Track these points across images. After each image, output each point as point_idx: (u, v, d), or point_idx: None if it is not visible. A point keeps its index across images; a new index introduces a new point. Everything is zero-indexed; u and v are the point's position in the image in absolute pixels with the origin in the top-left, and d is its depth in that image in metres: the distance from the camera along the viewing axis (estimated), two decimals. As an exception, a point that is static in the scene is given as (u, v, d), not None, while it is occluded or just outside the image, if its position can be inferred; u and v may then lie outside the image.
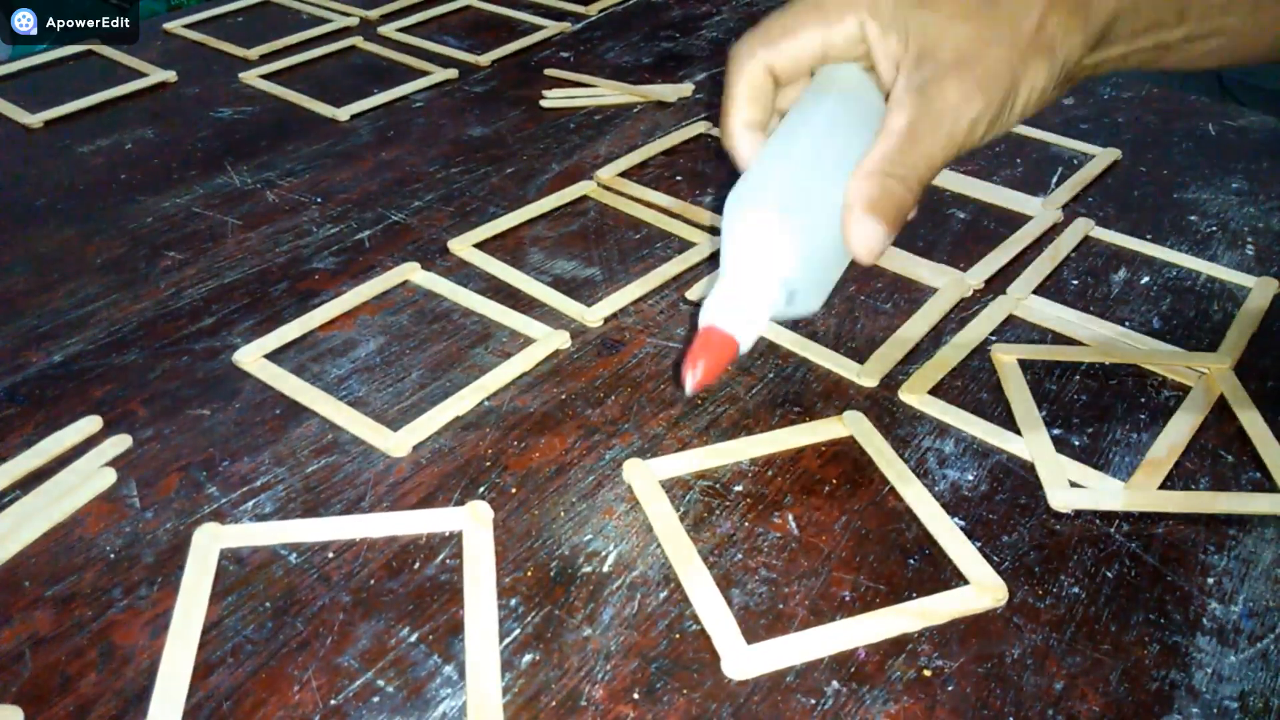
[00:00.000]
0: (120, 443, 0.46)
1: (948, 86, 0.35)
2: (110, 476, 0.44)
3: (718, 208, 0.64)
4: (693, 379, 0.35)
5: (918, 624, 0.38)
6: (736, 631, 0.38)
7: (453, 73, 0.81)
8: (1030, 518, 0.43)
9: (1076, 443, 0.47)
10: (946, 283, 0.57)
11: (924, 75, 0.36)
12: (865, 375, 0.50)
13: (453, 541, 0.42)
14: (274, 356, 0.52)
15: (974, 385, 0.50)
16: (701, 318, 0.36)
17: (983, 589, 0.39)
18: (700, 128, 0.73)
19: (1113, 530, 0.43)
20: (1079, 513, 0.44)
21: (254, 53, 0.84)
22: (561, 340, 0.53)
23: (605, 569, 0.41)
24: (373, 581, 0.40)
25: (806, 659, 0.37)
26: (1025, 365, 0.51)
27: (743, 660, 0.37)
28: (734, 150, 0.40)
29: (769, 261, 0.35)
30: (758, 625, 0.39)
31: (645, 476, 0.45)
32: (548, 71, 0.82)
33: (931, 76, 0.36)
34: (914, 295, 0.57)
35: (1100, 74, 0.40)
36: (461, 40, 0.88)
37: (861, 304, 0.56)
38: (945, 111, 0.36)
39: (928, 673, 0.37)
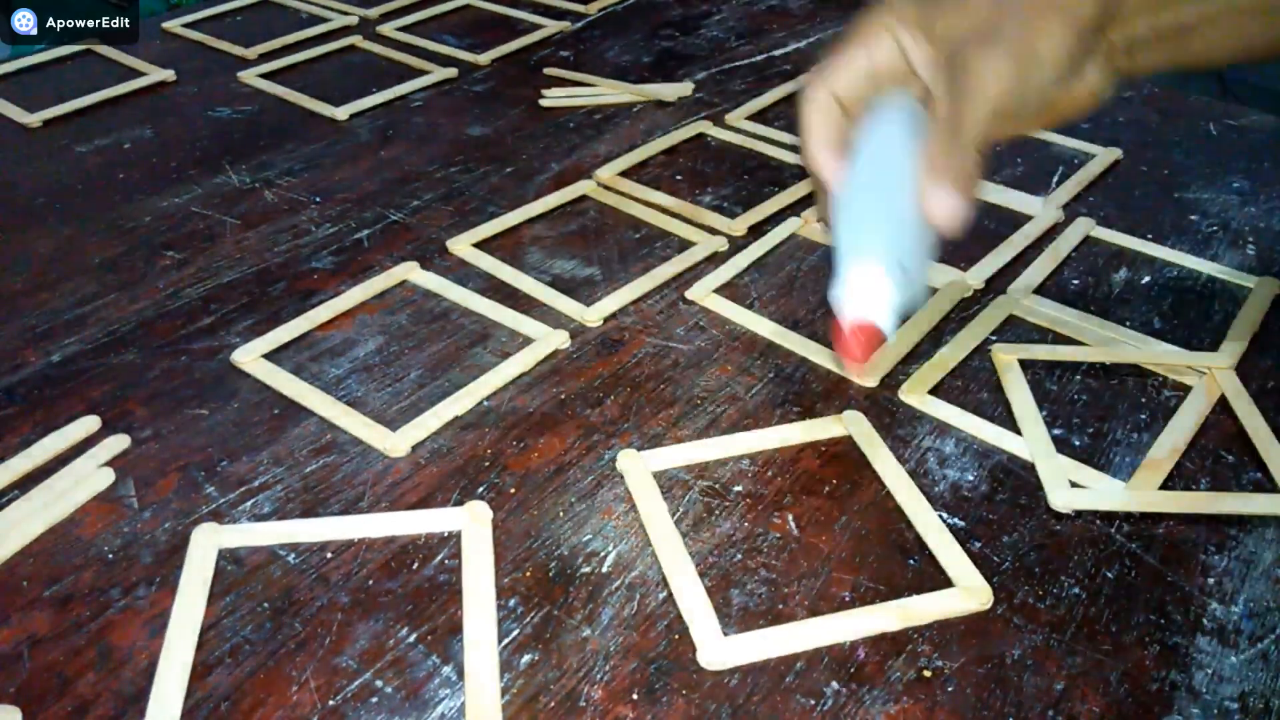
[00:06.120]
0: (118, 443, 0.46)
1: (970, 60, 0.39)
2: (108, 476, 0.44)
3: (717, 207, 0.64)
4: (856, 366, 0.40)
5: (899, 623, 0.38)
6: (714, 621, 0.38)
7: (452, 72, 0.81)
8: (1030, 518, 0.43)
9: (1077, 443, 0.47)
10: (946, 283, 0.57)
11: (951, 52, 0.40)
12: (865, 375, 0.50)
13: (451, 542, 0.42)
14: (272, 356, 0.51)
15: (974, 385, 0.50)
16: (843, 309, 0.41)
17: (969, 592, 0.39)
18: (700, 127, 0.73)
19: (1113, 530, 0.43)
20: (1079, 513, 0.43)
21: (253, 52, 0.84)
22: (561, 340, 0.52)
23: (604, 569, 0.41)
24: (371, 582, 0.40)
25: (785, 652, 0.37)
26: (1025, 365, 0.51)
27: (718, 650, 0.37)
28: (815, 165, 0.44)
29: (885, 252, 0.40)
30: (757, 625, 0.38)
31: (639, 468, 0.45)
32: (547, 71, 0.82)
33: (958, 60, 0.40)
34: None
35: (1140, 70, 0.42)
36: (461, 39, 0.87)
37: (861, 304, 0.56)
38: (972, 80, 0.39)
39: (928, 673, 0.37)
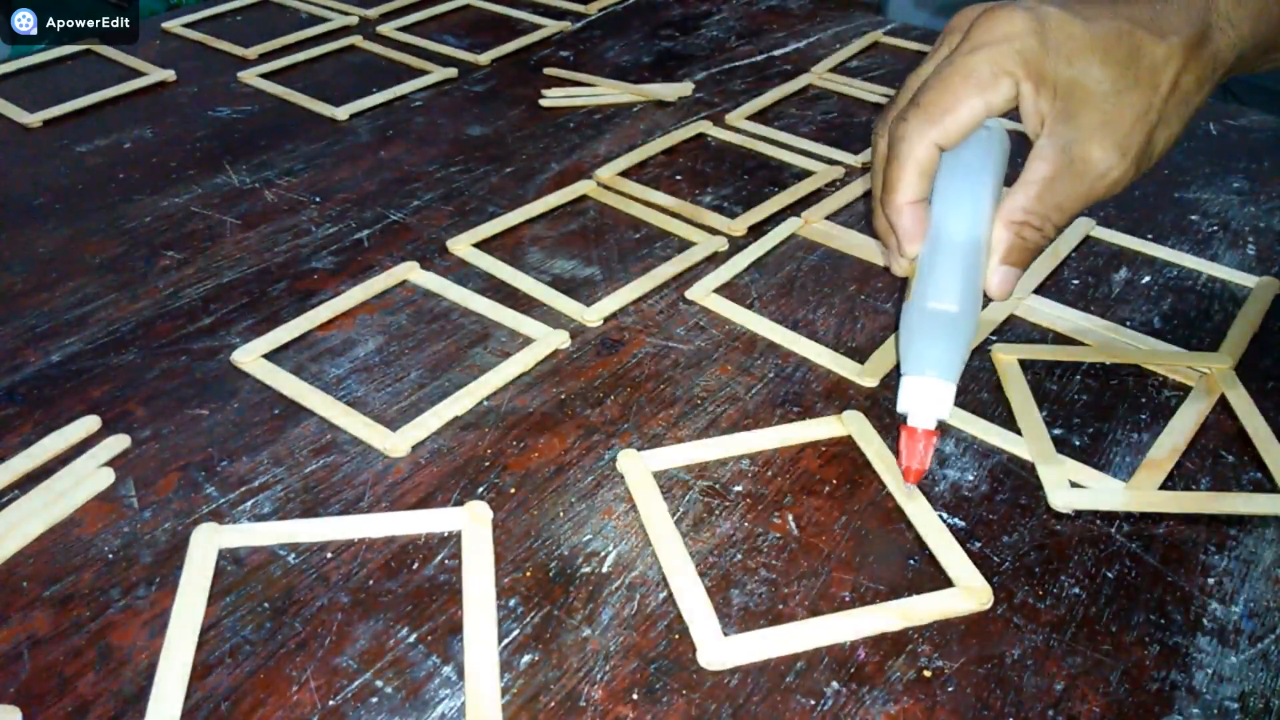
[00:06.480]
0: (118, 443, 0.46)
1: (1090, 148, 0.39)
2: (108, 476, 0.44)
3: (717, 207, 0.64)
4: (913, 478, 0.42)
5: (899, 623, 0.38)
6: (714, 621, 0.38)
7: (452, 72, 0.81)
8: (1031, 518, 0.43)
9: (1077, 443, 0.47)
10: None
11: (1069, 134, 0.39)
12: (865, 375, 0.50)
13: (451, 542, 0.42)
14: (272, 356, 0.51)
15: (974, 385, 0.50)
16: (904, 413, 0.41)
17: (969, 592, 0.39)
18: (700, 127, 0.73)
19: (1113, 530, 0.43)
20: (1079, 513, 0.43)
21: (253, 52, 0.84)
22: (561, 340, 0.52)
23: (604, 569, 0.41)
24: (371, 582, 0.40)
25: (785, 652, 0.38)
26: (1025, 365, 0.51)
27: (718, 650, 0.37)
28: (897, 223, 0.42)
29: (950, 366, 0.41)
30: (757, 625, 0.38)
31: (639, 468, 0.45)
32: (547, 71, 0.82)
33: (1076, 137, 0.39)
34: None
35: None
36: (461, 39, 0.87)
37: (861, 304, 0.56)
38: (1086, 171, 0.39)
39: (928, 673, 0.37)
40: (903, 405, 0.41)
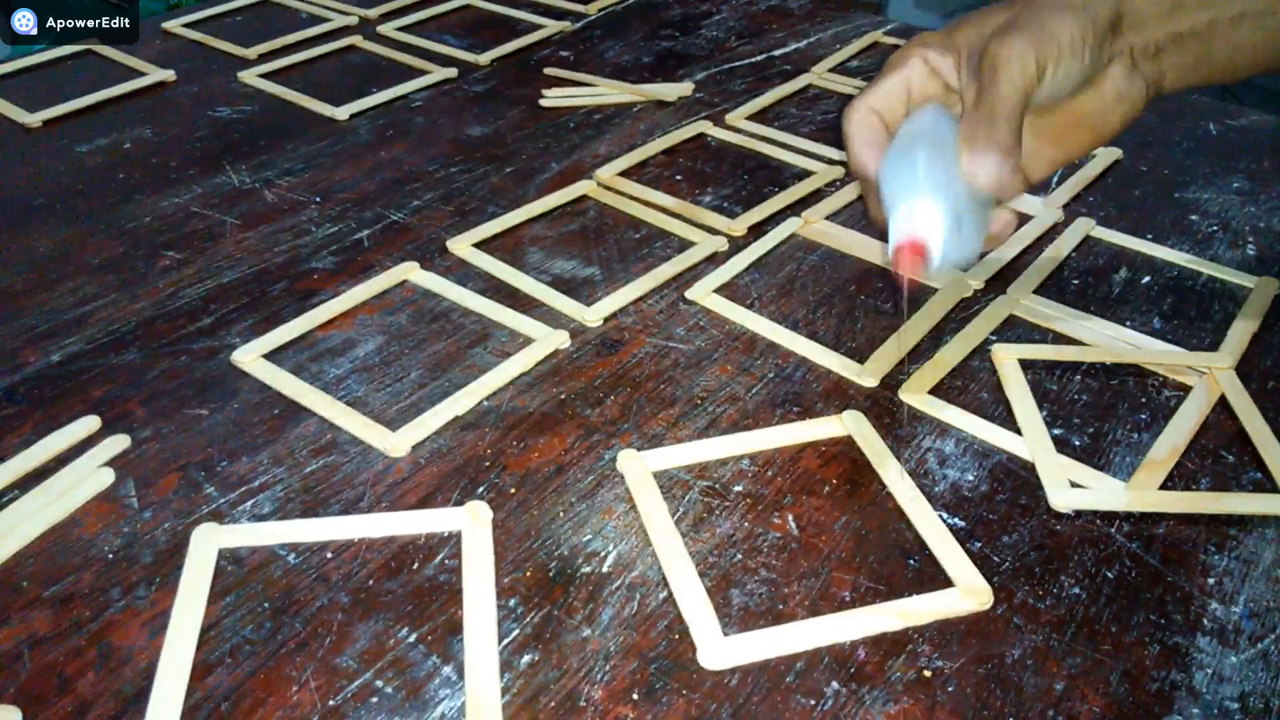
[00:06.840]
0: (118, 442, 0.46)
1: (991, 47, 0.42)
2: (109, 476, 0.44)
3: (717, 207, 0.64)
4: (909, 271, 0.40)
5: (899, 623, 0.38)
6: (714, 621, 0.38)
7: (452, 72, 0.81)
8: (1031, 518, 0.43)
9: (1077, 443, 0.47)
10: (947, 283, 0.57)
11: (982, 57, 0.43)
12: (865, 375, 0.50)
13: (451, 542, 0.42)
14: (272, 356, 0.51)
15: (974, 385, 0.50)
16: (893, 233, 0.40)
17: (968, 592, 0.39)
18: (700, 127, 0.73)
19: (1113, 530, 0.43)
20: (1079, 513, 0.43)
21: (253, 52, 0.84)
22: (561, 340, 0.52)
23: (605, 569, 0.41)
24: (371, 582, 0.40)
25: (785, 652, 0.38)
26: (1026, 365, 0.51)
27: (718, 650, 0.37)
28: (859, 164, 0.44)
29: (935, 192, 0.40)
30: (757, 625, 0.38)
31: (639, 468, 0.45)
32: (547, 71, 0.82)
33: (982, 53, 0.42)
34: (914, 295, 0.57)
35: (1174, 83, 0.44)
36: (461, 39, 0.87)
37: (861, 304, 0.56)
38: (999, 64, 0.41)
39: (928, 673, 0.37)
40: (894, 240, 0.40)
